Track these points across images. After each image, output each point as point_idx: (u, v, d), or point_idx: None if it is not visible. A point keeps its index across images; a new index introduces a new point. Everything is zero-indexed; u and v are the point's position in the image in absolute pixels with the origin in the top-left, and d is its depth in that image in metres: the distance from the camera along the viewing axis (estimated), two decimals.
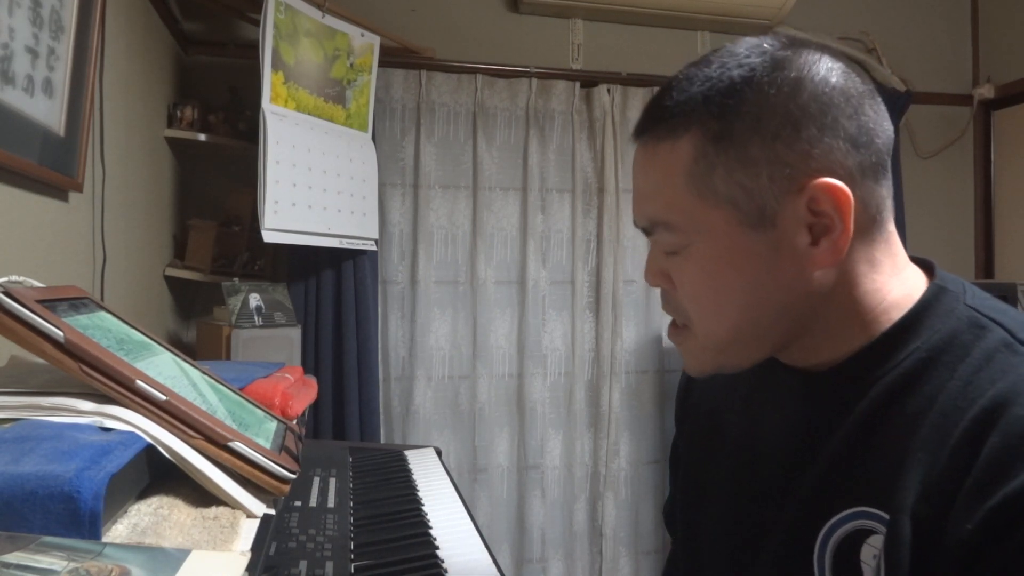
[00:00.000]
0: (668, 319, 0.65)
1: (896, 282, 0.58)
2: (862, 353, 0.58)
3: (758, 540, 0.62)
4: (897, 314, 0.57)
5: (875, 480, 0.53)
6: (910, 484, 0.51)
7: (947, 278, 0.60)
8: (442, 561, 0.80)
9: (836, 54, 0.58)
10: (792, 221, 0.55)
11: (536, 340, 2.47)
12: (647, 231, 0.61)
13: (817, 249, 0.55)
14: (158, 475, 0.64)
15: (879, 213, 0.57)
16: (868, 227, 0.57)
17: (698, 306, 0.59)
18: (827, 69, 0.56)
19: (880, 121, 0.57)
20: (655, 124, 0.58)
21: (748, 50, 0.57)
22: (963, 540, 0.47)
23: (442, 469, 1.18)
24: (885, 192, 0.58)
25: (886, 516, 0.52)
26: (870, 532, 0.53)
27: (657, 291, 0.65)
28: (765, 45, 0.57)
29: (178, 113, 2.05)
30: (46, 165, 1.21)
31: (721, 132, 0.55)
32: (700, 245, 0.57)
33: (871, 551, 0.53)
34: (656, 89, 2.28)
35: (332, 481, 1.00)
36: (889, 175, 0.59)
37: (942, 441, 0.51)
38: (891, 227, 0.59)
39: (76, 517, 0.48)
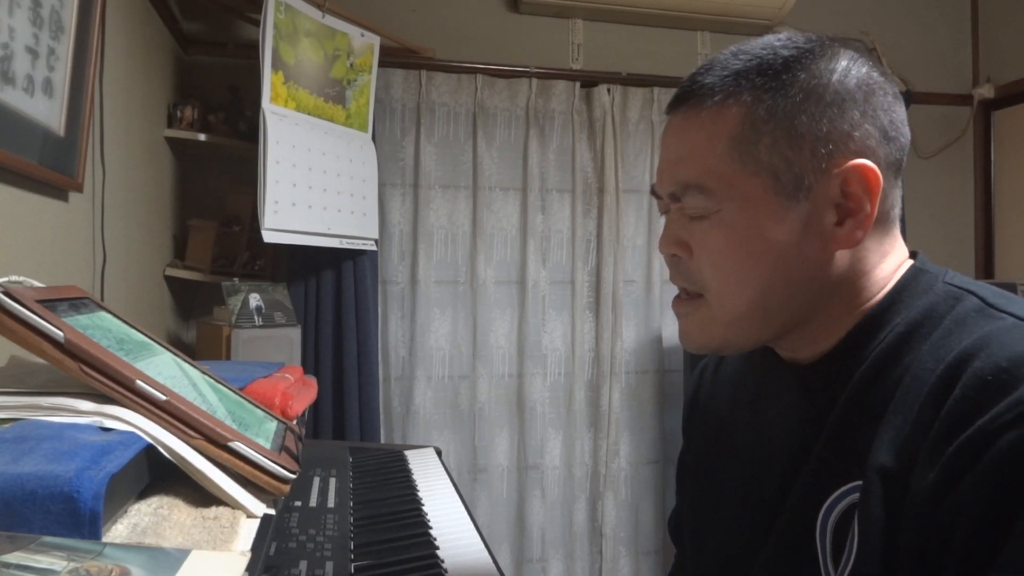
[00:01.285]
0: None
1: (898, 272, 0.61)
2: (848, 337, 0.60)
3: (764, 535, 0.62)
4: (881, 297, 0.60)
5: (861, 453, 0.55)
6: (882, 446, 0.52)
7: (928, 262, 0.62)
8: (442, 561, 0.80)
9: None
10: (823, 198, 0.57)
11: (536, 340, 2.47)
12: (674, 196, 0.61)
13: (841, 229, 0.57)
14: (158, 475, 0.64)
15: (893, 209, 0.60)
16: (883, 221, 0.60)
17: (720, 274, 0.59)
18: (869, 64, 0.59)
19: (904, 123, 0.60)
20: (699, 94, 0.59)
21: (786, 39, 0.59)
22: (925, 488, 0.48)
23: (442, 469, 1.18)
24: (898, 193, 0.61)
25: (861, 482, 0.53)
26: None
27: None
28: (799, 38, 0.59)
29: (178, 113, 2.05)
30: (46, 165, 1.21)
31: (773, 103, 0.57)
32: (732, 211, 0.58)
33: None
34: (656, 89, 2.26)
35: (332, 481, 1.00)
36: (901, 179, 0.61)
37: (911, 403, 0.52)
38: (898, 228, 0.62)
39: (76, 517, 0.48)
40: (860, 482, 0.54)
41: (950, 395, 0.50)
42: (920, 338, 0.56)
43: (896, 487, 0.50)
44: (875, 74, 0.59)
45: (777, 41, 0.59)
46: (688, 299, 0.63)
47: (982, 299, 0.56)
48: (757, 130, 0.57)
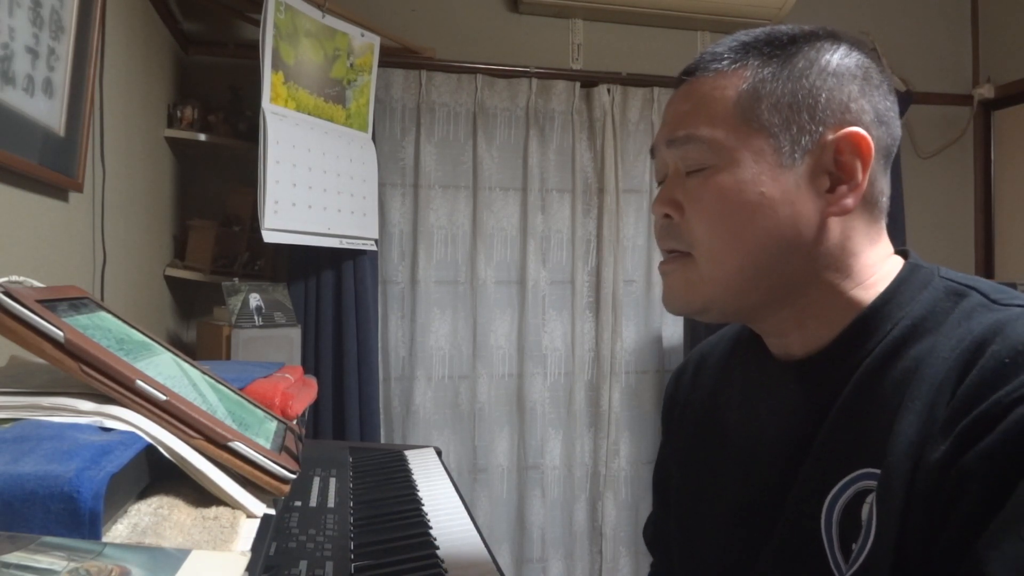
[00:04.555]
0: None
1: (886, 264, 0.62)
2: (849, 331, 0.60)
3: (766, 529, 0.61)
4: (880, 290, 0.61)
5: (869, 442, 0.55)
6: (900, 432, 0.53)
7: (919, 258, 0.64)
8: (442, 561, 0.80)
9: None
10: (817, 163, 0.59)
11: (536, 340, 2.47)
12: (673, 143, 0.63)
13: (832, 196, 0.59)
14: (158, 475, 0.64)
15: (882, 197, 0.62)
16: (872, 205, 0.61)
17: (713, 230, 0.61)
18: (867, 56, 0.63)
19: (897, 117, 0.62)
20: (707, 60, 0.63)
21: (792, 25, 0.64)
22: (936, 459, 0.50)
23: (442, 469, 1.18)
24: (887, 184, 0.62)
25: (878, 471, 0.53)
26: (868, 492, 0.54)
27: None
28: (804, 26, 0.64)
29: (178, 113, 2.05)
30: (46, 165, 1.21)
31: (778, 68, 0.60)
32: (730, 166, 0.60)
33: (869, 508, 0.54)
34: (656, 89, 2.27)
35: (332, 481, 1.00)
36: (889, 173, 0.63)
37: (929, 387, 0.53)
38: (885, 222, 0.64)
39: (76, 517, 0.48)
40: (868, 469, 0.54)
41: (967, 376, 0.51)
42: (925, 332, 0.57)
43: (916, 470, 0.51)
44: (873, 64, 0.62)
45: (783, 26, 0.64)
46: (678, 257, 0.64)
47: (984, 294, 0.57)
48: (761, 91, 0.60)
